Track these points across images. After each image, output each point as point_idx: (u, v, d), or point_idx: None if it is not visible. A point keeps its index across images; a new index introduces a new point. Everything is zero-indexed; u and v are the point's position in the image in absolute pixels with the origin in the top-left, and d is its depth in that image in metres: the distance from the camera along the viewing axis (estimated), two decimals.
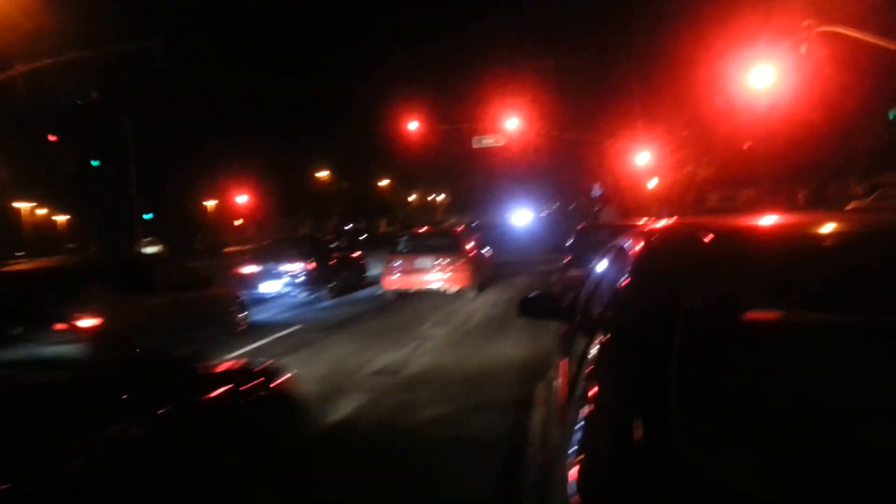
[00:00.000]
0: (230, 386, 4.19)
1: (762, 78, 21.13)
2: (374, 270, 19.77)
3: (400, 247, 16.82)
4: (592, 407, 1.77)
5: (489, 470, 4.82)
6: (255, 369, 4.73)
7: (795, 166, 30.77)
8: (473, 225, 30.23)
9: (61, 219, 58.35)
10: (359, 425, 6.44)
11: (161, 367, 3.80)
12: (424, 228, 22.36)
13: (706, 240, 2.22)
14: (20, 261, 19.61)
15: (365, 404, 7.07)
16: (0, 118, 29.86)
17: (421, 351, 9.99)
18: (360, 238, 50.37)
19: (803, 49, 17.37)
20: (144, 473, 3.21)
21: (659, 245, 2.52)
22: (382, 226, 77.32)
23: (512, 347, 9.41)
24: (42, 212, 54.92)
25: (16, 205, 49.01)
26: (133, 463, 3.17)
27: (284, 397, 4.83)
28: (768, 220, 2.78)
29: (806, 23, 17.39)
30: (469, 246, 17.01)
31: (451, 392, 7.25)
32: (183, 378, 3.89)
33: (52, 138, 35.59)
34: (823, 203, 31.73)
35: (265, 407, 4.46)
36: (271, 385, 4.65)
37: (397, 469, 5.09)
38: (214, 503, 3.59)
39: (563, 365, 3.07)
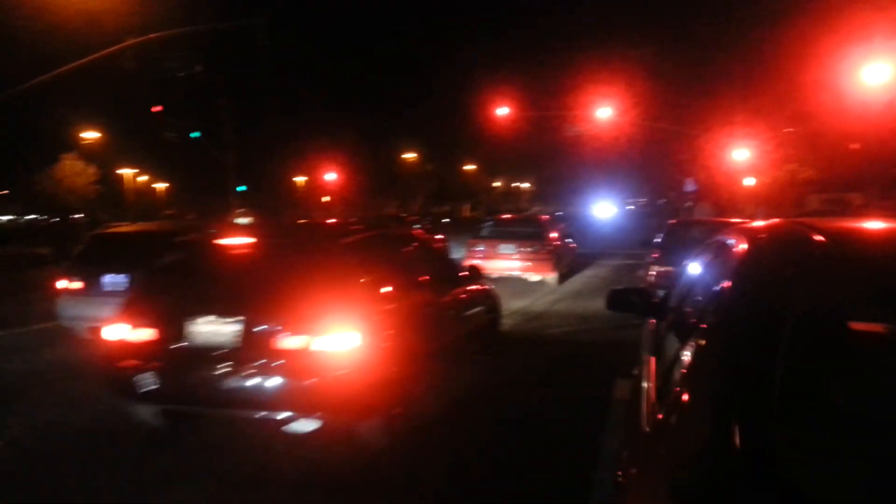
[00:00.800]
0: (477, 284, 8.43)
1: (877, 75, 19.96)
2: (455, 255, 19.88)
3: (484, 232, 16.85)
4: (689, 410, 1.72)
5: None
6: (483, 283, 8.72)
7: None
8: (557, 215, 29.48)
9: (161, 186, 61.32)
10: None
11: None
12: (509, 215, 22.27)
13: (818, 241, 2.10)
14: (124, 224, 20.71)
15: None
16: (109, 89, 31.53)
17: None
18: (444, 221, 50.73)
19: None
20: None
21: (766, 245, 2.41)
22: (466, 211, 77.59)
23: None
24: (143, 179, 57.83)
25: (119, 171, 51.74)
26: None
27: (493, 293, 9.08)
28: (880, 224, 2.62)
29: None
30: (553, 235, 16.83)
31: None
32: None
33: (155, 109, 37.27)
34: None
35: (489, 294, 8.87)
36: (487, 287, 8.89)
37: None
38: None
39: (652, 363, 2.98)
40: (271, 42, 20.64)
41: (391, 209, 60.32)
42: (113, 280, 9.29)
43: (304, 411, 4.98)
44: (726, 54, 32.12)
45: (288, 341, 4.96)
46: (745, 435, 1.48)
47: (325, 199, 62.59)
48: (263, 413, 5.02)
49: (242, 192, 47.78)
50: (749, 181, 31.49)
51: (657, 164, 50.61)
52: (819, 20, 23.50)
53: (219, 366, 5.01)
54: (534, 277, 15.69)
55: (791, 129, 31.88)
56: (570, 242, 19.03)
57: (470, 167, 76.87)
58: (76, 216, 44.12)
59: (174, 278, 5.97)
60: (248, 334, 5.04)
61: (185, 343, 5.19)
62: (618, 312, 3.86)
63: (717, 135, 31.05)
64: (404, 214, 43.20)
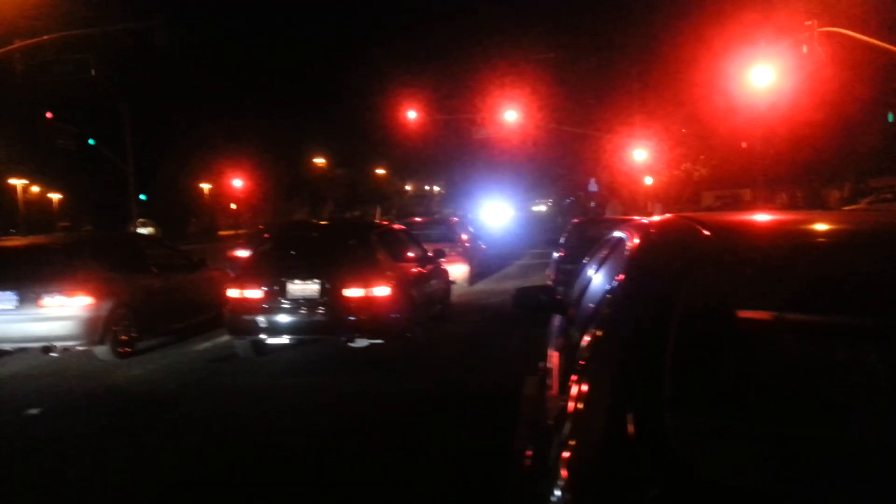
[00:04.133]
0: (436, 263, 11.18)
1: (762, 77, 21.12)
2: None
3: None
4: (586, 400, 1.76)
5: None
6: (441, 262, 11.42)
7: (793, 167, 30.81)
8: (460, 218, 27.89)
9: (55, 197, 58.10)
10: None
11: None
12: (419, 218, 22.34)
13: (705, 235, 2.20)
14: (13, 237, 19.47)
15: None
16: None
17: None
18: None
19: (805, 49, 17.35)
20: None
21: (657, 239, 2.50)
22: (376, 215, 77.23)
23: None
24: (36, 189, 54.62)
25: (11, 181, 48.73)
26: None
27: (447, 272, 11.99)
28: (766, 217, 2.76)
29: (808, 23, 17.36)
30: (464, 236, 16.99)
31: None
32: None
33: (48, 115, 35.31)
34: (818, 206, 31.79)
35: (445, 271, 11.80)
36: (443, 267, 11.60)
37: None
38: None
39: (555, 357, 3.05)
40: (169, 44, 19.91)
41: (301, 215, 59.31)
42: (0, 297, 8.76)
43: (359, 334, 8.48)
44: (625, 58, 33.26)
45: (348, 292, 8.36)
46: (638, 422, 1.52)
47: (233, 206, 60.92)
48: (335, 336, 8.62)
49: (143, 200, 45.88)
50: (648, 180, 32.72)
51: (563, 165, 51.85)
52: (711, 24, 24.67)
53: (307, 309, 8.39)
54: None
55: (685, 130, 33.34)
56: (480, 244, 19.26)
57: (381, 171, 76.54)
58: None
59: (270, 257, 9.46)
60: (323, 290, 8.40)
61: (283, 296, 8.44)
62: (524, 311, 3.92)
63: (618, 136, 32.13)
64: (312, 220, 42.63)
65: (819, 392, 1.65)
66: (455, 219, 21.06)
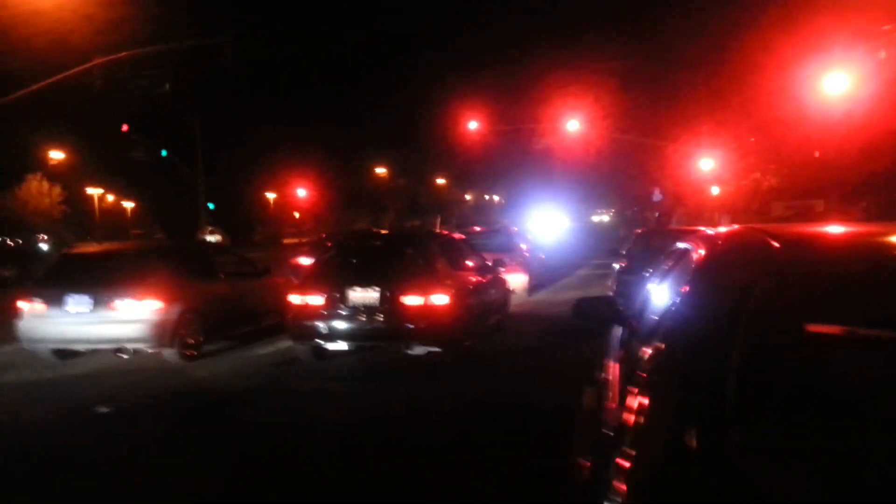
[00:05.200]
0: (496, 273, 11.19)
1: (837, 84, 20.42)
2: None
3: None
4: (646, 413, 1.73)
5: None
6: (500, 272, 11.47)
7: (869, 177, 29.61)
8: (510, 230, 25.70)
9: (129, 205, 60.45)
10: None
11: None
12: (479, 228, 22.36)
13: (773, 247, 2.14)
14: (89, 243, 20.31)
15: None
16: (77, 108, 31.07)
17: None
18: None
19: (882, 55, 16.69)
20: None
21: (724, 251, 2.44)
22: (436, 224, 77.65)
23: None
24: (111, 198, 56.96)
25: (88, 190, 50.93)
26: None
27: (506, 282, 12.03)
28: (838, 229, 2.67)
29: (886, 27, 16.70)
30: (523, 246, 16.91)
31: None
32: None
33: (124, 128, 36.83)
34: (893, 218, 30.46)
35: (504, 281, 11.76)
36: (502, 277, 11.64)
37: None
38: None
39: (615, 369, 3.00)
40: (239, 59, 20.52)
41: (362, 224, 60.14)
42: (77, 301, 9.14)
43: (417, 342, 8.52)
44: (692, 66, 32.67)
45: (407, 300, 8.47)
46: (700, 436, 1.49)
47: (296, 214, 62.21)
48: (393, 343, 8.70)
49: (212, 209, 47.33)
50: (715, 190, 31.96)
51: (626, 174, 51.12)
52: (781, 31, 23.99)
53: (366, 316, 8.54)
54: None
55: (754, 139, 32.45)
56: (541, 254, 19.14)
57: (441, 181, 76.97)
58: (41, 236, 43.33)
59: (332, 265, 9.48)
60: (383, 297, 8.53)
61: (344, 303, 8.63)
62: (584, 322, 3.87)
63: (684, 145, 31.50)
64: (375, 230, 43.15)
65: (888, 410, 1.59)
66: (515, 228, 20.98)
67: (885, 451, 1.47)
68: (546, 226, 35.13)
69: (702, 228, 9.55)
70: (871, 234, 2.61)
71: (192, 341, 9.61)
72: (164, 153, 41.98)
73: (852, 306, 1.87)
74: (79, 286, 9.27)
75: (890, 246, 2.30)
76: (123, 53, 20.33)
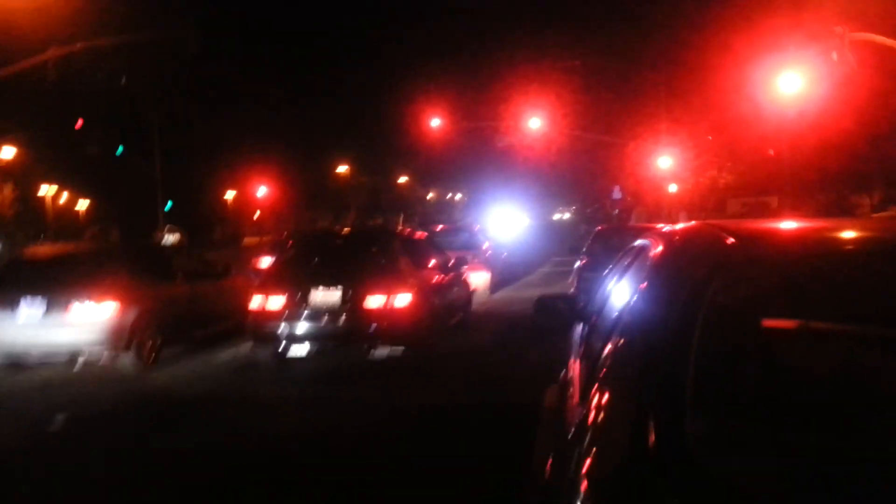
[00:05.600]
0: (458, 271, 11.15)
1: (791, 84, 20.89)
2: None
3: None
4: (606, 409, 1.74)
5: None
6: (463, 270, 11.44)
7: (822, 174, 30.41)
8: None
9: (84, 204, 59.04)
10: None
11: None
12: (442, 226, 22.38)
13: (729, 243, 2.17)
14: (42, 245, 19.80)
15: None
16: (29, 102, 30.20)
17: None
18: None
19: (835, 56, 17.10)
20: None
21: (681, 247, 2.47)
22: (399, 222, 77.50)
23: None
24: (65, 197, 55.53)
25: (42, 189, 49.56)
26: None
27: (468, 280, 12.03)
28: (792, 224, 2.72)
29: (838, 29, 17.12)
30: (487, 244, 16.97)
31: None
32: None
33: (79, 124, 35.89)
34: (846, 213, 31.33)
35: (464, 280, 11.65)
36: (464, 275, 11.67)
37: None
38: None
39: (576, 366, 3.02)
40: (201, 48, 20.09)
41: (324, 222, 59.68)
42: (28, 305, 8.89)
43: (381, 342, 8.42)
44: (651, 65, 33.08)
45: (370, 300, 8.36)
46: (658, 431, 1.50)
47: (257, 213, 61.44)
48: (356, 343, 8.59)
49: (170, 207, 46.46)
50: (673, 187, 32.47)
51: (587, 172, 51.64)
52: (737, 31, 24.46)
53: (329, 317, 8.38)
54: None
55: (711, 137, 33.05)
56: (503, 253, 19.23)
57: (403, 179, 76.79)
58: None
59: (293, 265, 9.41)
60: (345, 297, 8.41)
61: (306, 304, 8.48)
62: (545, 320, 3.89)
63: (643, 143, 31.94)
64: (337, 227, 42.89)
65: (844, 401, 1.63)
66: (477, 226, 21.03)
67: (839, 440, 1.50)
68: (505, 223, 34.64)
69: (660, 225, 9.69)
70: (823, 229, 2.67)
71: (150, 345, 9.41)
72: (120, 149, 41.03)
73: (806, 300, 1.90)
74: (30, 290, 9.02)
75: (841, 241, 2.35)
76: (79, 45, 19.80)
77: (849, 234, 2.43)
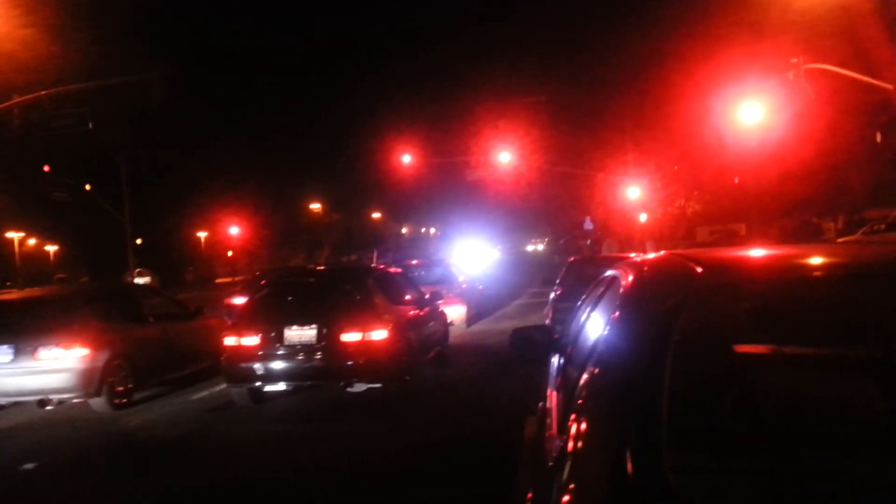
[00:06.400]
0: (434, 305, 11.21)
1: (751, 114, 21.43)
2: None
3: None
4: (584, 440, 1.75)
5: None
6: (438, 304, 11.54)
7: (785, 201, 31.05)
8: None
9: (52, 249, 58.09)
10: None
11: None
12: (416, 261, 22.38)
13: (697, 271, 2.22)
14: (9, 290, 19.42)
15: None
16: None
17: None
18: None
19: (791, 75, 17.63)
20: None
21: (650, 277, 2.51)
22: (374, 258, 77.28)
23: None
24: (32, 242, 54.65)
25: (8, 234, 48.76)
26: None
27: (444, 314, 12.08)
28: (759, 251, 2.78)
29: (794, 60, 17.68)
30: (462, 277, 17.00)
31: None
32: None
33: (45, 169, 35.48)
34: (812, 238, 31.94)
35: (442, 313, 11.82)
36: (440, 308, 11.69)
37: None
38: None
39: (554, 397, 3.03)
40: (166, 98, 20.12)
41: (297, 260, 59.32)
42: None
43: (357, 379, 8.35)
44: (617, 98, 33.72)
45: (346, 337, 8.32)
46: (636, 461, 1.51)
47: (230, 253, 60.90)
48: (332, 381, 8.49)
49: (140, 250, 45.88)
50: (643, 217, 32.90)
51: (558, 204, 52.10)
52: (700, 63, 25.07)
53: (304, 355, 8.33)
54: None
55: (677, 167, 33.64)
56: (479, 285, 19.26)
57: (376, 215, 76.85)
58: None
59: (267, 303, 9.23)
60: (321, 335, 8.36)
61: (281, 343, 8.40)
62: (521, 352, 3.91)
63: (612, 174, 32.40)
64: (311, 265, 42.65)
65: (818, 426, 1.65)
66: (452, 260, 21.07)
67: (815, 466, 1.51)
68: (474, 257, 34.10)
69: (631, 255, 9.82)
70: (788, 256, 2.74)
71: (122, 389, 9.24)
72: (87, 193, 40.52)
73: (776, 325, 1.94)
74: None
75: (808, 266, 2.41)
76: (44, 92, 19.70)
77: (815, 260, 2.48)
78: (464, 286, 16.86)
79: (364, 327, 8.34)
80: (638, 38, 32.34)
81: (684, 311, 1.97)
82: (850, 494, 1.44)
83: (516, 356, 4.10)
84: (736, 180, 32.24)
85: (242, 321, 9.03)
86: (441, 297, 11.82)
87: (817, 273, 2.33)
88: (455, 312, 15.52)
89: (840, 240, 25.89)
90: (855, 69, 18.01)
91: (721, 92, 22.63)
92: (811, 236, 32.62)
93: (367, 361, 8.23)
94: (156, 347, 10.04)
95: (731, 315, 2.04)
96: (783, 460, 1.54)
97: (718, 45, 24.67)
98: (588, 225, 38.51)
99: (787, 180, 27.85)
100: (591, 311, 3.10)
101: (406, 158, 32.35)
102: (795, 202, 31.65)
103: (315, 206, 67.36)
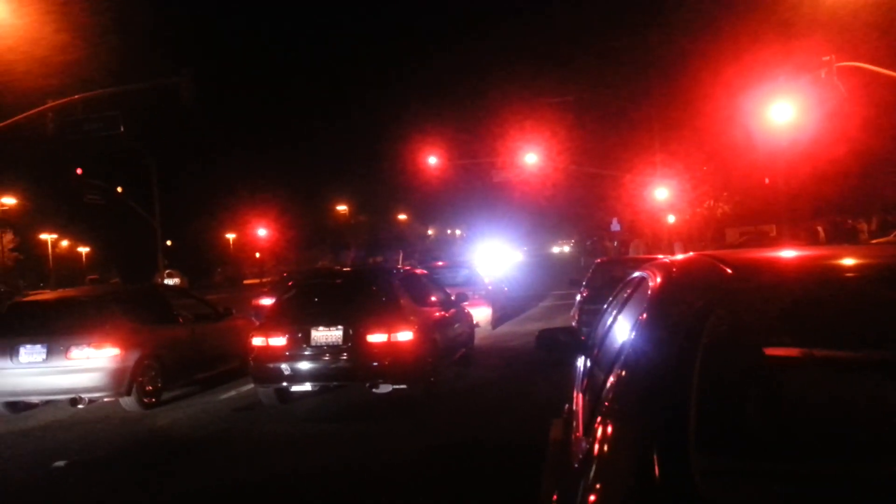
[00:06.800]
0: (459, 306, 11.21)
1: (782, 113, 21.11)
2: None
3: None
4: (611, 442, 1.73)
5: None
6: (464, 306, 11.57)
7: (817, 202, 30.56)
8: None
9: (84, 250, 59.20)
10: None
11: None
12: (442, 262, 22.39)
13: (727, 273, 2.18)
14: (42, 291, 19.83)
15: None
16: (28, 152, 30.46)
17: None
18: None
19: (823, 74, 17.33)
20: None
21: (679, 278, 2.48)
22: (400, 259, 77.56)
23: None
24: (65, 243, 55.72)
25: (41, 236, 49.76)
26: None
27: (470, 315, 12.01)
28: (789, 253, 2.74)
29: (826, 58, 17.38)
30: (487, 279, 16.98)
31: None
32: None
33: (78, 172, 36.14)
34: (845, 240, 31.38)
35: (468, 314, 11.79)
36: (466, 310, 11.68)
37: None
38: None
39: (580, 399, 3.01)
40: (195, 99, 20.36)
41: (324, 262, 59.74)
42: (29, 350, 8.87)
43: (383, 380, 8.40)
44: (645, 97, 33.44)
45: (371, 338, 8.36)
46: (663, 464, 1.50)
47: (257, 254, 61.55)
48: (358, 382, 8.56)
49: (170, 252, 46.56)
50: (671, 218, 32.58)
51: (584, 205, 51.85)
52: (730, 62, 24.79)
53: (330, 356, 8.40)
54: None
55: (706, 168, 33.26)
56: (505, 287, 19.22)
57: (402, 216, 77.14)
58: None
59: (294, 304, 9.33)
60: (346, 336, 8.42)
61: (307, 343, 8.48)
62: (547, 353, 3.89)
63: (640, 175, 32.13)
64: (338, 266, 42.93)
65: (849, 429, 1.62)
66: (478, 262, 21.04)
67: (846, 469, 1.48)
68: (498, 259, 33.50)
69: (659, 257, 9.72)
70: (819, 257, 2.69)
71: (151, 388, 9.38)
72: (118, 190, 41.18)
73: (806, 328, 1.91)
74: (31, 335, 9.01)
75: (839, 267, 2.36)
76: (77, 96, 20.06)
77: (847, 262, 2.43)
78: (489, 288, 16.83)
79: (390, 328, 8.36)
80: (666, 38, 32.08)
81: (713, 313, 1.94)
82: (881, 498, 1.41)
83: (541, 358, 4.08)
84: (766, 181, 31.78)
85: (270, 322, 9.11)
86: (466, 299, 11.80)
87: (849, 275, 2.29)
88: (480, 314, 15.51)
89: (874, 241, 25.41)
90: (889, 66, 17.65)
91: (751, 91, 22.34)
92: (845, 237, 32.04)
93: (393, 363, 8.25)
94: (185, 347, 10.17)
95: (761, 317, 2.01)
96: (813, 464, 1.52)
97: (748, 43, 24.37)
98: (615, 226, 38.26)
99: (819, 181, 27.42)
100: (619, 312, 3.08)
101: (432, 160, 32.39)
102: (828, 203, 31.13)
103: (342, 208, 67.84)
